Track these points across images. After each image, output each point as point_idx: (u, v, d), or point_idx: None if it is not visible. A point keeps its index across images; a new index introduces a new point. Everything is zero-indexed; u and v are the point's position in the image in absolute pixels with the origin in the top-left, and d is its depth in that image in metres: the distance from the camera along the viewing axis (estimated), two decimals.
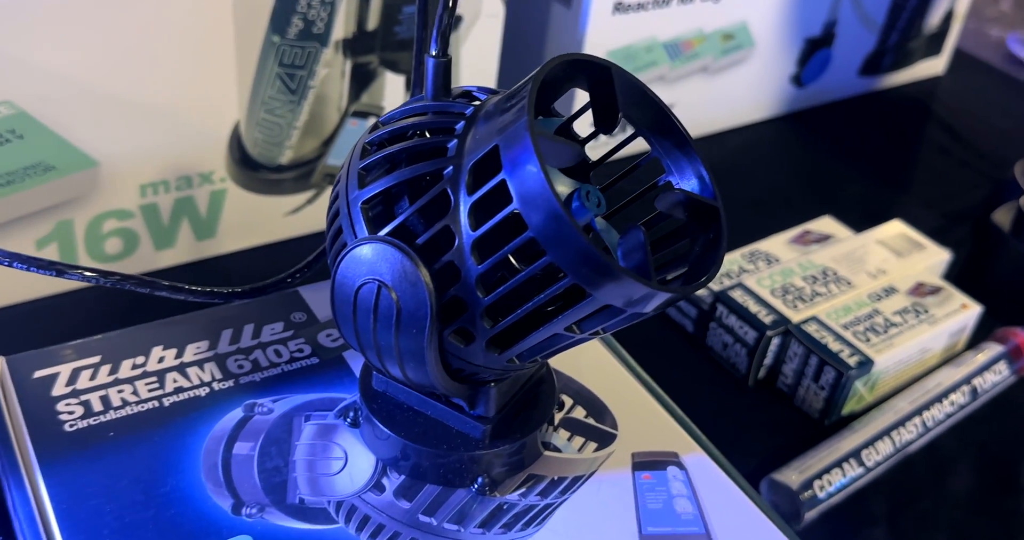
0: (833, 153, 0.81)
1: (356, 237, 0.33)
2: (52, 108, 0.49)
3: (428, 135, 0.34)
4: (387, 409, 0.37)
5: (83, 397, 0.39)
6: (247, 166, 0.57)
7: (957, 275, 0.65)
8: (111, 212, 0.54)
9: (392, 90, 0.59)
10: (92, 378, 0.39)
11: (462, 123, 0.32)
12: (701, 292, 0.58)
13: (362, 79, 0.57)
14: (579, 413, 0.41)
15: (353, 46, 0.56)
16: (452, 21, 0.33)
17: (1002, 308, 0.62)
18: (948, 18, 0.89)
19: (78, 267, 0.39)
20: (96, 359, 0.40)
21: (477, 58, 0.61)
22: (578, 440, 0.40)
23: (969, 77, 0.95)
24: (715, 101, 0.76)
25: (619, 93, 0.32)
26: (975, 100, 0.92)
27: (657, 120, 0.34)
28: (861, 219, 0.71)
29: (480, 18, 0.59)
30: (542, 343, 0.33)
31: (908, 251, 0.63)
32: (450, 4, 0.32)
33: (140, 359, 0.40)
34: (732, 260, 0.61)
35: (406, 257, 0.31)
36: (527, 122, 0.28)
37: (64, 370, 0.40)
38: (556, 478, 0.38)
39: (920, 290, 0.59)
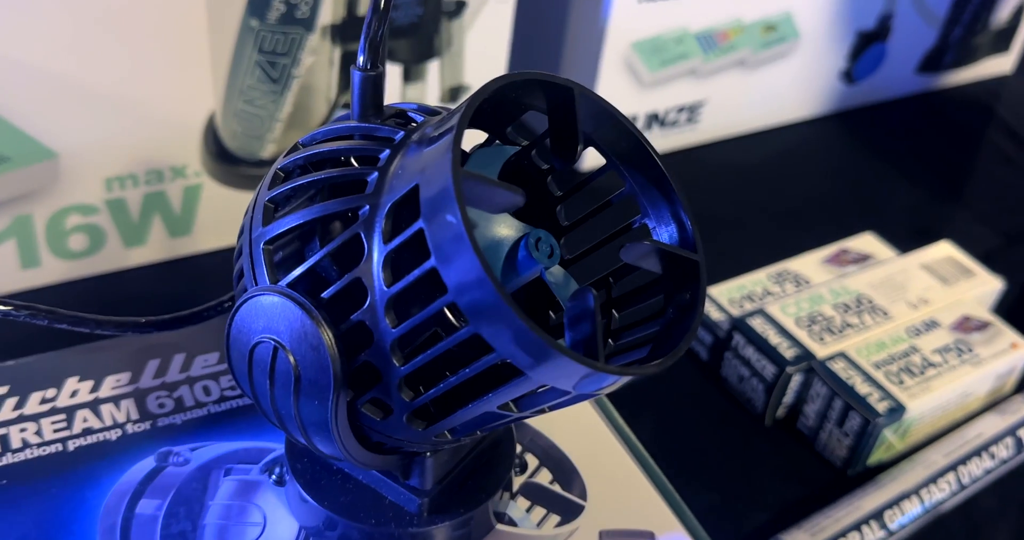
0: (882, 158, 0.74)
1: (256, 284, 0.28)
2: (5, 95, 0.45)
3: (351, 163, 0.28)
4: (313, 471, 0.32)
5: None
6: (225, 160, 0.52)
7: (1010, 306, 0.58)
8: (74, 207, 0.50)
9: (388, 81, 0.54)
10: None
11: (387, 152, 0.27)
12: (717, 316, 0.53)
13: None
14: (544, 477, 0.36)
15: (342, 32, 0.50)
16: (384, 28, 0.27)
17: None
18: (1019, 13, 0.81)
19: None
20: (3, 389, 0.36)
21: (484, 48, 0.55)
22: (539, 511, 0.34)
23: None
24: (753, 98, 0.70)
25: (582, 119, 0.27)
26: None
27: (632, 151, 0.28)
28: (907, 235, 0.64)
29: (488, 3, 0.54)
30: (475, 420, 0.28)
31: (956, 278, 0.56)
32: (381, 6, 0.27)
33: (51, 392, 0.36)
34: (756, 281, 0.55)
35: (307, 315, 0.26)
36: (450, 161, 0.23)
37: None
38: None
39: (965, 325, 0.53)
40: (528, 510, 0.34)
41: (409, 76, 0.54)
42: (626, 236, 0.29)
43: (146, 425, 0.36)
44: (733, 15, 0.64)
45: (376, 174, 0.26)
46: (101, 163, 0.49)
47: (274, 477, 0.34)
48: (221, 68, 0.49)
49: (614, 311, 0.30)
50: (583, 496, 0.35)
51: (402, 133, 0.27)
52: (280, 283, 0.27)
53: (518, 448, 0.36)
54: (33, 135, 0.46)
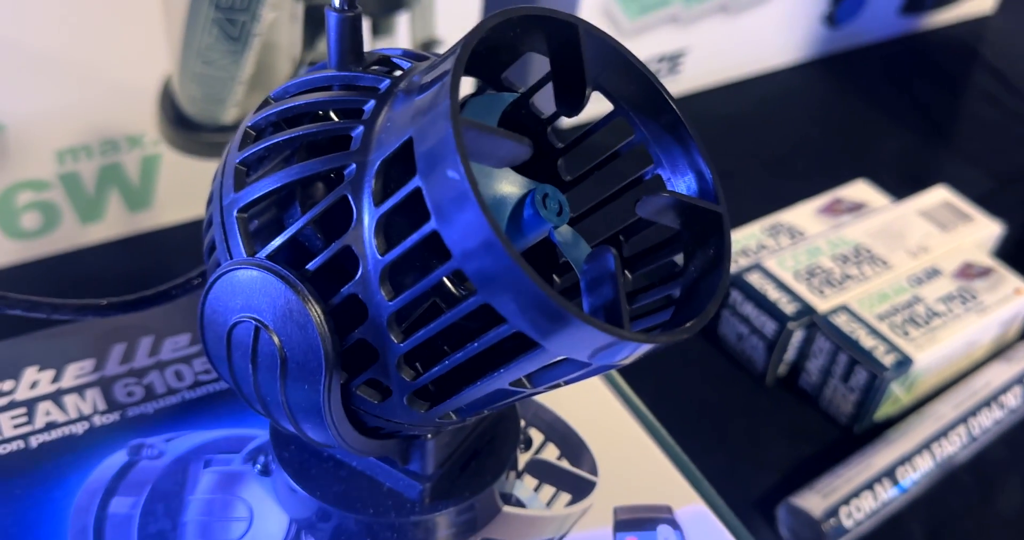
0: (869, 102, 0.72)
1: (231, 257, 0.25)
2: None
3: (331, 118, 0.25)
4: (302, 459, 0.30)
5: None
6: (184, 127, 0.49)
7: (1010, 250, 0.57)
8: (24, 183, 0.46)
9: None
10: None
11: (372, 103, 0.24)
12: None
13: (318, 23, 0.49)
14: (551, 453, 0.33)
15: None
16: None
17: None
18: None
19: None
20: None
21: (457, 2, 0.52)
22: (547, 490, 0.32)
23: (1022, 16, 0.85)
24: (736, 44, 0.67)
25: (588, 61, 0.24)
26: None
27: (643, 95, 0.25)
28: (900, 181, 0.62)
29: None
30: (483, 398, 0.25)
31: (954, 223, 0.54)
32: None
33: (9, 384, 0.33)
34: (750, 234, 0.53)
35: (291, 289, 0.24)
36: (448, 109, 0.20)
37: None
38: None
39: (968, 272, 0.51)
40: (536, 489, 0.32)
41: (377, 30, 0.51)
42: (638, 189, 0.26)
43: (115, 416, 0.33)
44: None
45: (361, 128, 0.23)
46: (51, 135, 0.45)
47: (258, 467, 0.31)
48: (175, 27, 0.45)
49: (626, 272, 0.27)
50: (593, 471, 0.33)
51: (388, 81, 0.24)
52: (258, 255, 0.25)
53: (521, 423, 0.33)
54: None
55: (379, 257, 0.23)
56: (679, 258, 0.26)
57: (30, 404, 0.33)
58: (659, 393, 0.47)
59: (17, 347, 0.35)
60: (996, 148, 0.69)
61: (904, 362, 0.46)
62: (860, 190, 0.57)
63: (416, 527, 0.29)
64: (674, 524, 0.31)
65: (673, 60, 0.64)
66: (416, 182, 0.21)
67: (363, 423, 0.26)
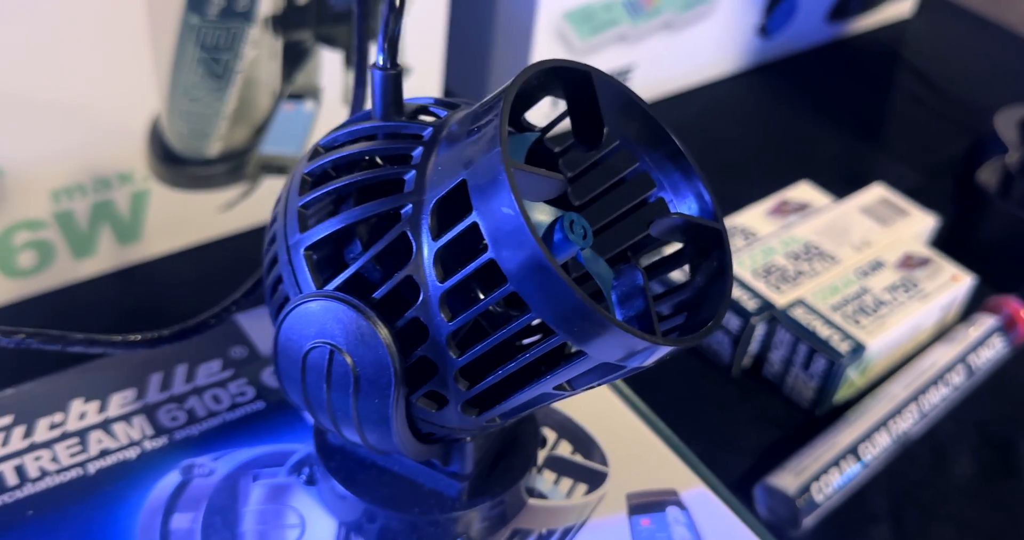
0: (804, 108, 0.77)
1: (301, 290, 0.28)
2: None
3: (380, 163, 0.28)
4: (347, 468, 0.32)
5: None
6: (171, 162, 0.51)
7: (944, 240, 0.61)
8: (21, 223, 0.48)
9: (330, 68, 0.53)
10: (4, 444, 0.34)
11: (419, 149, 0.27)
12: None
13: (295, 58, 0.51)
14: (564, 449, 0.37)
15: (284, 22, 0.50)
16: (399, 26, 0.27)
17: (990, 274, 0.59)
18: None
19: None
20: (8, 419, 0.35)
21: (421, 28, 0.55)
22: (566, 482, 0.35)
23: (939, 19, 0.91)
24: (678, 58, 0.71)
25: (603, 102, 0.27)
26: (947, 44, 0.87)
27: (646, 129, 0.29)
28: (839, 181, 0.66)
29: None
30: (527, 402, 0.28)
31: (892, 218, 0.59)
32: (397, 4, 0.27)
33: (59, 416, 0.35)
34: None
35: (362, 316, 0.27)
36: (500, 154, 0.23)
37: None
38: (545, 532, 0.34)
39: (909, 262, 0.56)
40: (555, 482, 0.35)
41: (350, 61, 0.54)
42: (643, 210, 0.30)
43: (163, 440, 0.35)
44: None
45: (413, 172, 0.26)
46: (47, 176, 0.47)
47: (303, 477, 0.34)
48: (163, 68, 0.47)
49: None
50: (604, 463, 0.36)
51: (430, 130, 0.27)
52: (327, 287, 0.28)
53: None
54: None
55: (438, 284, 0.26)
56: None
57: (82, 434, 0.35)
58: (634, 389, 0.50)
59: (60, 381, 0.37)
60: (923, 145, 0.74)
61: (858, 348, 0.50)
62: (804, 191, 0.62)
63: (455, 522, 0.32)
64: (680, 505, 0.35)
65: (622, 75, 0.68)
66: (472, 218, 0.24)
67: (419, 430, 0.29)
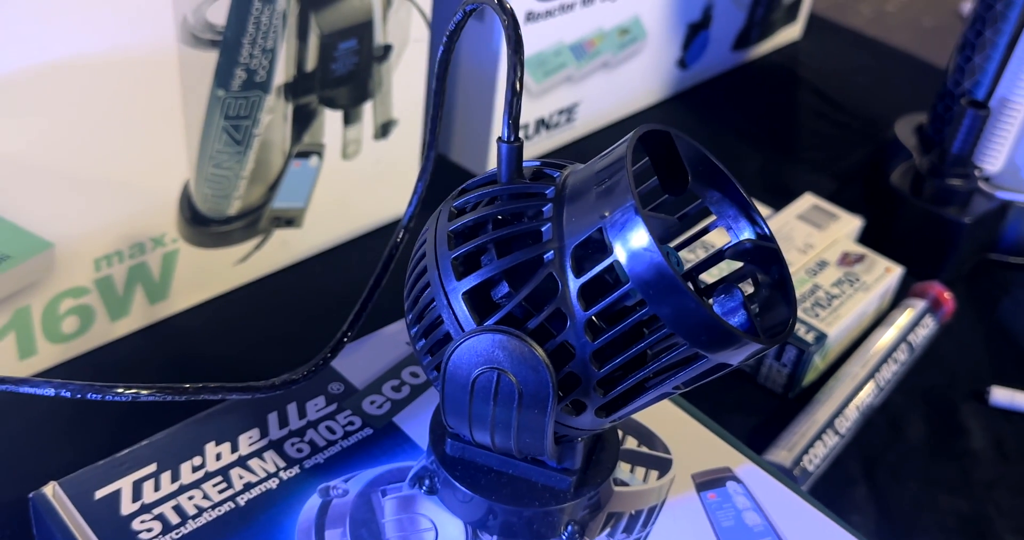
0: (723, 128, 0.85)
1: (463, 329, 0.34)
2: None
3: (511, 220, 0.35)
4: (470, 474, 0.38)
5: (155, 510, 0.37)
6: (197, 223, 0.55)
7: (867, 238, 0.70)
8: (67, 291, 0.51)
9: (331, 126, 0.58)
10: (156, 489, 0.38)
11: (550, 205, 0.33)
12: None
13: (303, 119, 0.57)
14: (631, 443, 0.43)
15: (294, 89, 0.55)
16: (519, 102, 0.33)
17: (911, 263, 0.68)
18: None
19: (114, 386, 0.37)
20: (152, 467, 0.39)
21: (406, 84, 0.61)
22: (640, 470, 0.42)
23: (825, 37, 1.01)
24: (614, 93, 0.79)
25: (683, 155, 0.34)
26: (835, 60, 0.98)
27: (707, 172, 0.36)
28: (765, 192, 0.75)
29: (408, 44, 0.59)
30: (648, 401, 0.35)
31: (825, 222, 0.67)
32: (518, 88, 0.33)
33: (197, 460, 0.39)
34: None
35: (524, 344, 0.33)
36: (635, 206, 0.30)
37: (124, 484, 0.38)
38: (634, 512, 0.40)
39: (847, 259, 0.64)
40: (631, 471, 0.41)
41: (349, 118, 0.59)
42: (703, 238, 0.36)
43: (296, 469, 0.40)
44: (596, 24, 0.72)
45: (549, 225, 0.33)
46: (91, 246, 0.51)
47: (424, 488, 0.39)
48: (194, 139, 0.52)
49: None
50: (667, 451, 0.42)
51: (552, 189, 0.34)
52: (487, 323, 0.33)
53: None
54: (29, 229, 0.48)
55: (583, 312, 0.32)
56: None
57: (223, 472, 0.39)
58: None
59: (189, 429, 0.41)
60: (832, 154, 0.84)
61: (821, 337, 0.58)
62: None
63: (565, 512, 0.38)
64: (737, 480, 0.42)
65: (569, 112, 0.75)
66: (612, 258, 0.31)
67: (556, 433, 0.35)
